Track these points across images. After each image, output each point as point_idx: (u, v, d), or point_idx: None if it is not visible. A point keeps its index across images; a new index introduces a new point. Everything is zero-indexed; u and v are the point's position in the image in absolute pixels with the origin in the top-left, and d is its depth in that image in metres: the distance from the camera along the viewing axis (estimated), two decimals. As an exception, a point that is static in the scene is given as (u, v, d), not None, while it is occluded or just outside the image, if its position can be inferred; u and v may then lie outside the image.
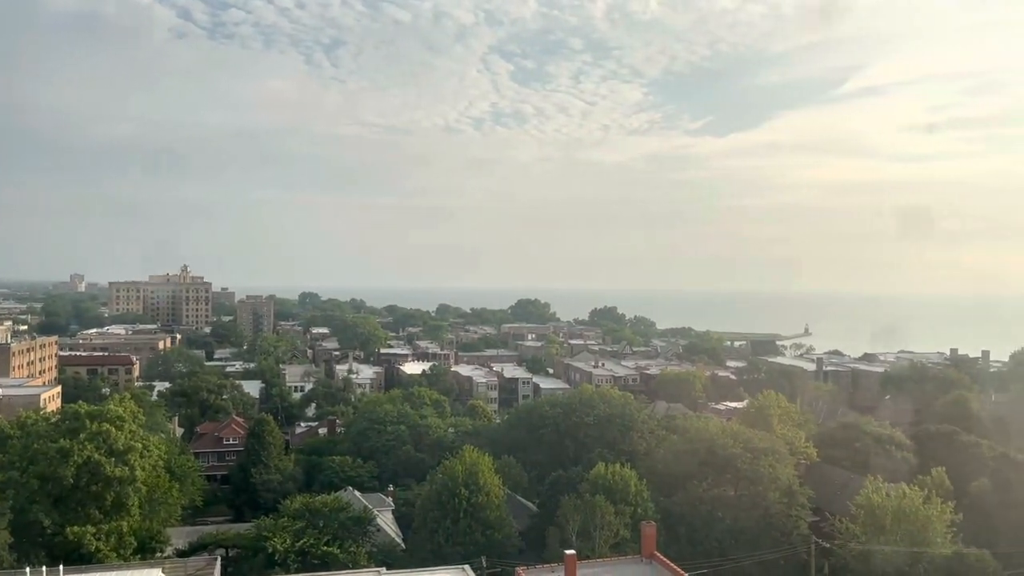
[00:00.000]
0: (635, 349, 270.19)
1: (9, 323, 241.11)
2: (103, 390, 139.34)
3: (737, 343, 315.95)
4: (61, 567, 44.20)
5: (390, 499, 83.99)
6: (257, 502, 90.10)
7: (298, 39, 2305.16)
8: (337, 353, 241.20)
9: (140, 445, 63.79)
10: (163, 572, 44.95)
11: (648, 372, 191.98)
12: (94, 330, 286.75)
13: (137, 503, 63.30)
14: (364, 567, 58.64)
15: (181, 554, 64.82)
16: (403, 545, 72.10)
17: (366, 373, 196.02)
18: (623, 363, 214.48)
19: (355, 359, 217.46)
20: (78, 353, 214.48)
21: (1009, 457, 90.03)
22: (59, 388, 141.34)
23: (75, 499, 60.17)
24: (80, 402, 70.16)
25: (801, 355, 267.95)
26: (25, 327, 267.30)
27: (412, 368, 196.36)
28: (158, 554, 61.99)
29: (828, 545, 65.19)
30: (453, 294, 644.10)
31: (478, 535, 65.66)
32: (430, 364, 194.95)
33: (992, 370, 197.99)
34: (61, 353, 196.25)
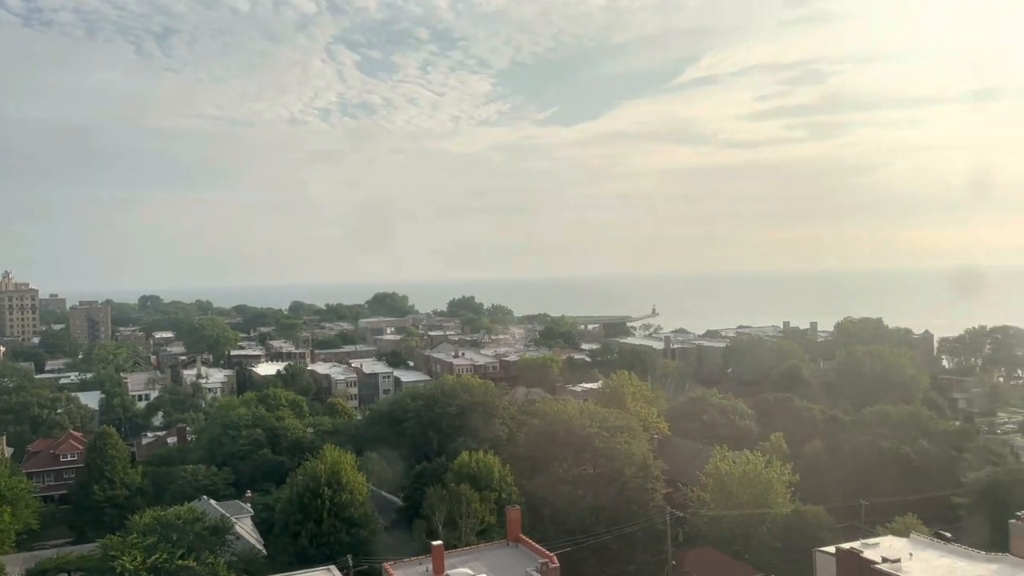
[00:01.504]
0: (494, 337, 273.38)
1: None
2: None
3: (591, 326, 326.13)
4: None
5: (248, 505, 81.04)
6: (102, 520, 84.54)
7: (125, 27, 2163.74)
8: (184, 358, 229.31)
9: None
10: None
11: (507, 359, 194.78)
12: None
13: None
14: (224, 577, 56.38)
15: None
16: (265, 551, 69.84)
17: (216, 377, 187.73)
18: (483, 352, 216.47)
19: (204, 363, 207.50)
20: None
21: (837, 419, 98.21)
22: None
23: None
24: None
25: (650, 335, 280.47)
26: None
27: (266, 369, 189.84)
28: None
29: (681, 514, 68.72)
30: (307, 291, 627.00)
31: (343, 534, 64.69)
32: (285, 364, 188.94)
33: (820, 340, 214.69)
34: None
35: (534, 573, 51.77)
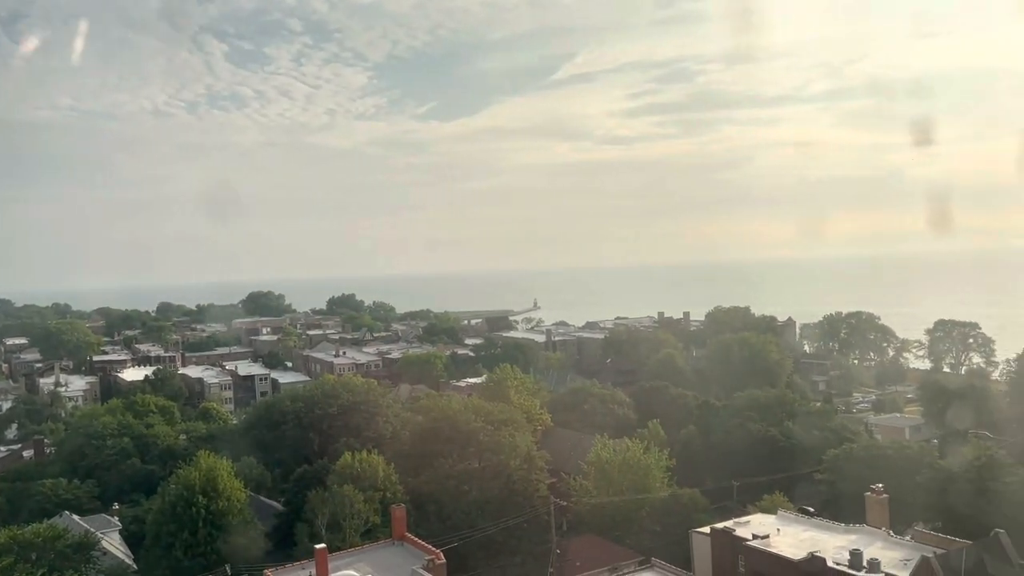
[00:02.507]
0: (376, 335, 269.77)
1: None
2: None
3: (474, 321, 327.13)
4: None
5: (116, 519, 76.79)
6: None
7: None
8: (40, 365, 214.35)
9: None
10: None
11: (390, 356, 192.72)
12: None
13: None
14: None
15: None
16: (135, 566, 66.40)
17: (78, 384, 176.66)
18: (364, 350, 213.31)
19: (63, 370, 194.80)
20: None
21: (709, 404, 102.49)
22: None
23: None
24: None
25: (532, 328, 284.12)
26: None
27: (133, 374, 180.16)
28: None
29: (565, 503, 69.96)
30: (176, 291, 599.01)
31: (220, 543, 62.25)
32: (153, 368, 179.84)
33: (692, 328, 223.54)
34: None
35: (420, 570, 51.45)
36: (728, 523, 57.57)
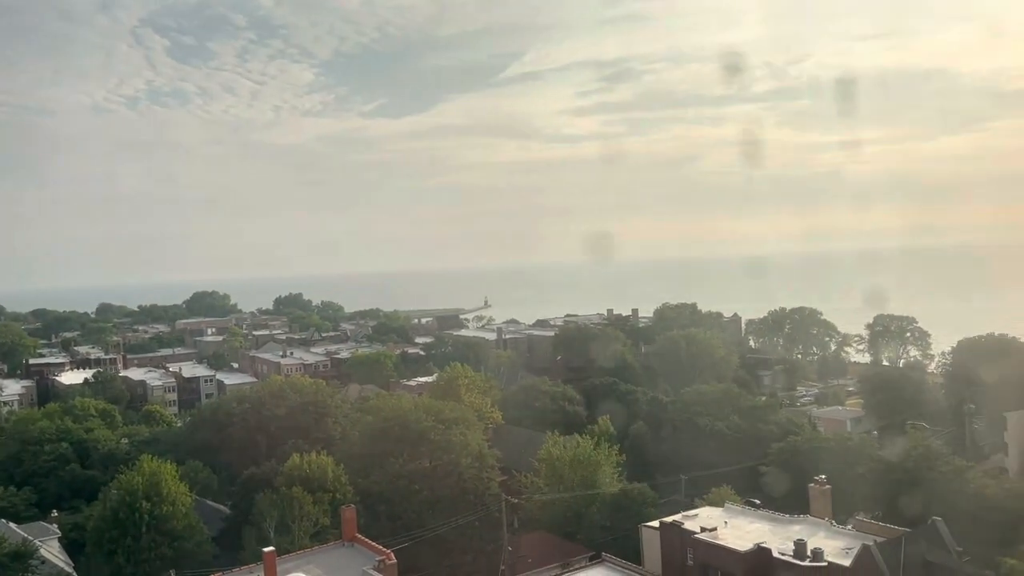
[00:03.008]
0: (324, 335, 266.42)
1: None
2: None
3: (424, 320, 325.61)
4: None
5: (55, 526, 74.46)
6: None
7: None
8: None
9: None
10: None
11: (339, 356, 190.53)
12: None
13: None
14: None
15: None
16: (75, 574, 64.52)
17: (12, 388, 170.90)
18: (312, 350, 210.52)
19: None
20: None
21: (658, 400, 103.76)
22: None
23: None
24: None
25: (483, 326, 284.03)
26: None
27: (71, 377, 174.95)
28: None
29: (516, 500, 70.15)
30: (117, 292, 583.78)
31: (164, 548, 61.05)
32: (93, 371, 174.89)
33: (641, 325, 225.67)
34: None
35: (371, 571, 51.07)
36: (677, 517, 58.56)
